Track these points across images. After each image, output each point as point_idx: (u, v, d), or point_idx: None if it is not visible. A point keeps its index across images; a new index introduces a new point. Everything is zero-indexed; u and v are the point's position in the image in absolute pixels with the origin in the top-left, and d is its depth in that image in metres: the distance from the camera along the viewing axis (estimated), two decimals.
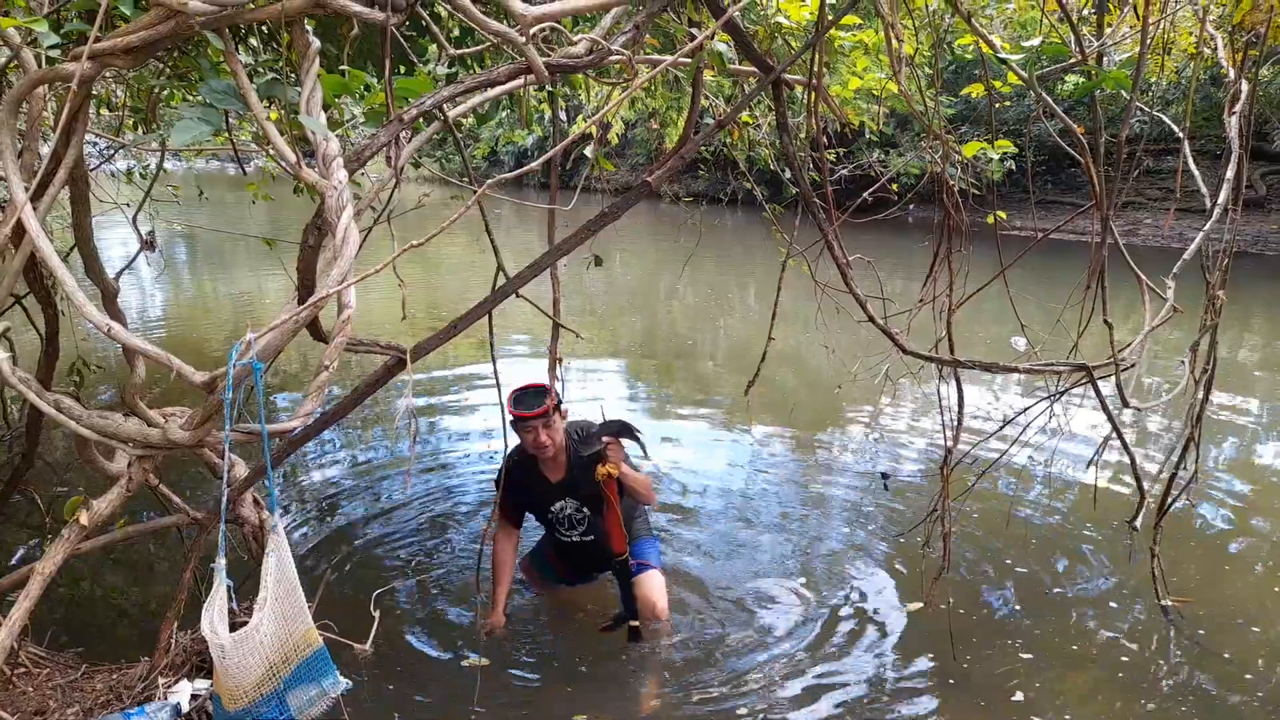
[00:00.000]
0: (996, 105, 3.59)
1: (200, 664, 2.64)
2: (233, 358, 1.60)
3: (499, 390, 2.63)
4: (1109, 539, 4.34)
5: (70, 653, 2.90)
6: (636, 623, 3.27)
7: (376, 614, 2.60)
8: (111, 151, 5.41)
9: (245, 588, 2.52)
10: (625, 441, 3.18)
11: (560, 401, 2.99)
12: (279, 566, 1.69)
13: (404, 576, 3.90)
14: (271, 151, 1.96)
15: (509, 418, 2.93)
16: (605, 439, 3.07)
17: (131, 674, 2.67)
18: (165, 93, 3.76)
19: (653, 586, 3.32)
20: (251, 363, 1.62)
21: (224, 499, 1.70)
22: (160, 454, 2.01)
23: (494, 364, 2.78)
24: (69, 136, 1.82)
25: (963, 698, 3.15)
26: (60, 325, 2.71)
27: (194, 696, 2.53)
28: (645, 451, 3.22)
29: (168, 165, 5.40)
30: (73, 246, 2.17)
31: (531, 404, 3.02)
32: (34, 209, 1.74)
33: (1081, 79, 2.75)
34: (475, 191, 1.85)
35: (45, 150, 2.13)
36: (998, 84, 3.60)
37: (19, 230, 1.78)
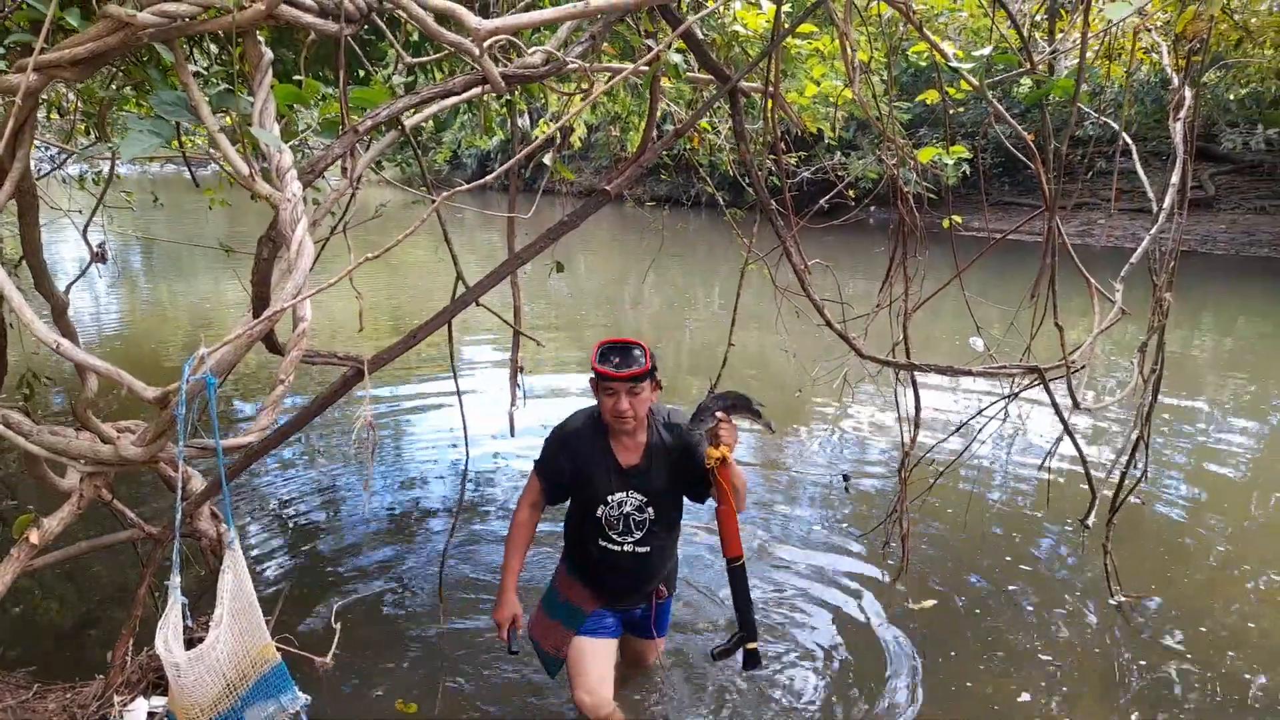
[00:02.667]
0: (953, 110, 3.65)
1: (157, 682, 2.61)
2: (185, 373, 1.58)
3: (460, 400, 2.63)
4: (1063, 537, 4.44)
5: (22, 672, 2.85)
6: (756, 644, 2.59)
7: (338, 626, 2.59)
8: (63, 158, 5.30)
9: (202, 603, 2.49)
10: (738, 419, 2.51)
11: (655, 369, 2.45)
12: (235, 582, 1.67)
13: (366, 588, 3.86)
14: (222, 164, 1.93)
15: (591, 375, 2.47)
16: (719, 414, 2.40)
17: (86, 693, 2.62)
18: (117, 99, 3.69)
19: (651, 651, 3.02)
20: (205, 378, 1.60)
21: (178, 515, 1.68)
22: (113, 470, 1.97)
23: (454, 373, 2.79)
24: (14, 150, 1.79)
25: (920, 691, 3.20)
26: (9, 338, 2.65)
27: (150, 714, 2.49)
28: (769, 425, 2.56)
29: (122, 170, 5.31)
30: (20, 258, 2.12)
31: (622, 362, 2.41)
32: None
33: (1033, 86, 2.82)
34: (434, 200, 1.85)
35: None
36: (952, 90, 3.67)
37: None
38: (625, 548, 2.61)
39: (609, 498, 2.57)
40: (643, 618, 2.81)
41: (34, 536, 1.86)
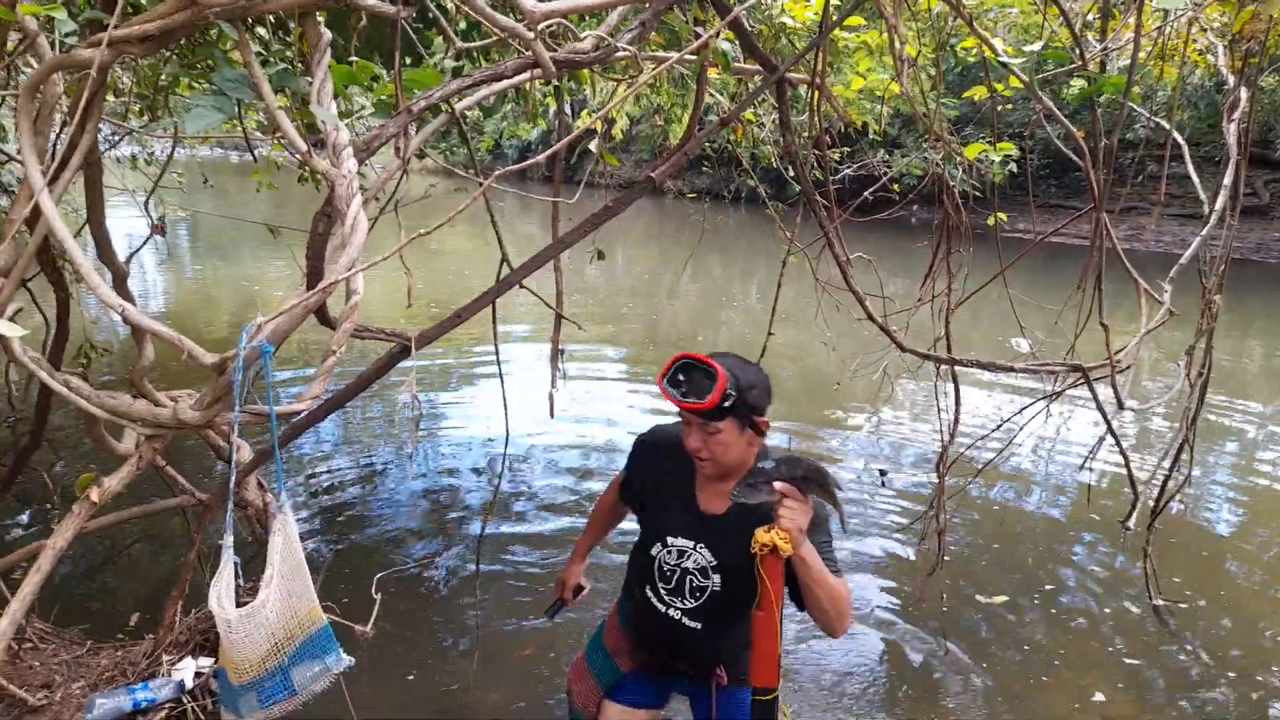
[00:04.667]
0: (1001, 108, 3.62)
1: (204, 643, 2.70)
2: (243, 340, 1.64)
3: (501, 379, 2.67)
4: (1103, 539, 4.40)
5: (76, 629, 2.95)
6: None
7: (378, 597, 2.65)
8: (118, 138, 5.44)
9: (248, 569, 2.57)
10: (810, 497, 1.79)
11: (749, 407, 1.82)
12: (285, 545, 1.73)
13: (404, 562, 3.95)
14: (282, 140, 1.99)
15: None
16: (780, 485, 1.72)
17: (136, 651, 2.72)
18: (177, 77, 3.80)
19: None
20: (261, 345, 1.66)
21: (232, 478, 1.74)
22: (169, 434, 2.05)
23: (496, 352, 2.83)
24: (84, 122, 1.86)
25: (950, 692, 3.20)
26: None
27: (198, 674, 2.58)
28: (842, 520, 1.83)
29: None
30: (82, 227, 2.20)
31: (688, 389, 1.82)
32: (49, 193, 1.78)
33: (1084, 84, 2.79)
34: (480, 183, 1.89)
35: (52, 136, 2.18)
36: (1000, 87, 3.64)
37: (35, 213, 1.82)
38: (671, 612, 2.02)
39: (670, 539, 2.01)
40: (700, 710, 2.18)
41: (94, 494, 1.94)
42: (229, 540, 1.69)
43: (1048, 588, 3.93)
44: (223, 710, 1.83)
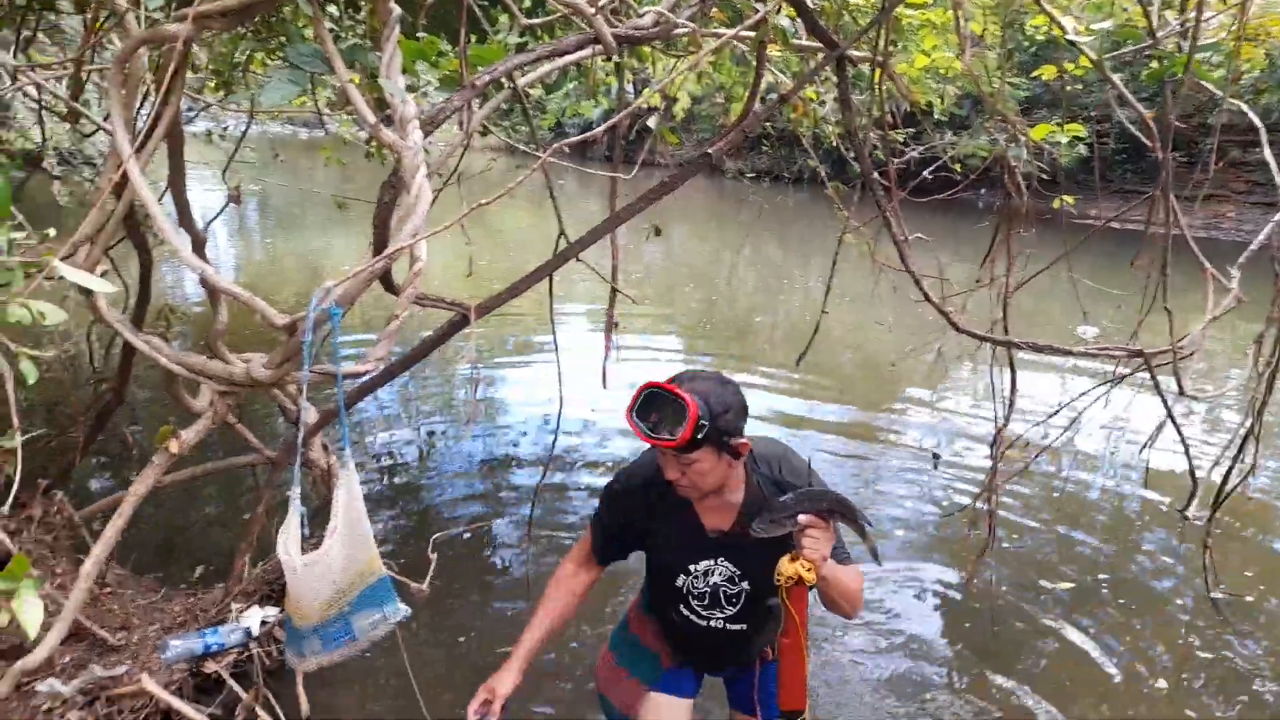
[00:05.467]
0: (1074, 89, 3.54)
1: (270, 594, 2.83)
2: (313, 302, 1.73)
3: (556, 349, 2.73)
4: (1161, 528, 4.32)
5: (151, 577, 3.13)
6: None
7: (434, 556, 2.75)
8: (194, 114, 5.64)
9: (312, 524, 2.69)
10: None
11: (724, 433, 1.73)
12: (348, 498, 1.82)
13: (459, 525, 4.08)
14: (351, 115, 2.07)
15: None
16: (804, 518, 1.70)
17: (207, 599, 2.87)
18: (245, 56, 3.94)
19: None
20: (330, 308, 1.75)
21: (300, 434, 1.83)
22: (241, 391, 2.16)
23: (552, 324, 2.90)
24: (169, 93, 1.96)
25: (996, 676, 3.19)
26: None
27: (263, 622, 2.72)
28: (874, 552, 1.87)
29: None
30: (163, 194, 2.31)
31: (658, 421, 1.71)
32: (136, 160, 1.89)
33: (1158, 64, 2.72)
34: (540, 157, 1.94)
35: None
36: (1070, 67, 3.56)
37: (122, 180, 1.93)
38: (714, 623, 2.01)
39: (691, 567, 1.97)
40: (742, 687, 2.20)
41: (173, 445, 2.06)
42: (296, 492, 1.78)
43: (1105, 576, 3.88)
44: (288, 652, 1.94)
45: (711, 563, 1.96)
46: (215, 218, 2.91)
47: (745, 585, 1.96)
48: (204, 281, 1.99)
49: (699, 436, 1.68)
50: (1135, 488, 4.79)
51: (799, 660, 1.81)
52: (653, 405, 1.71)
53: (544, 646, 2.01)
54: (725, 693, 2.33)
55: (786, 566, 1.69)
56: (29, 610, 1.32)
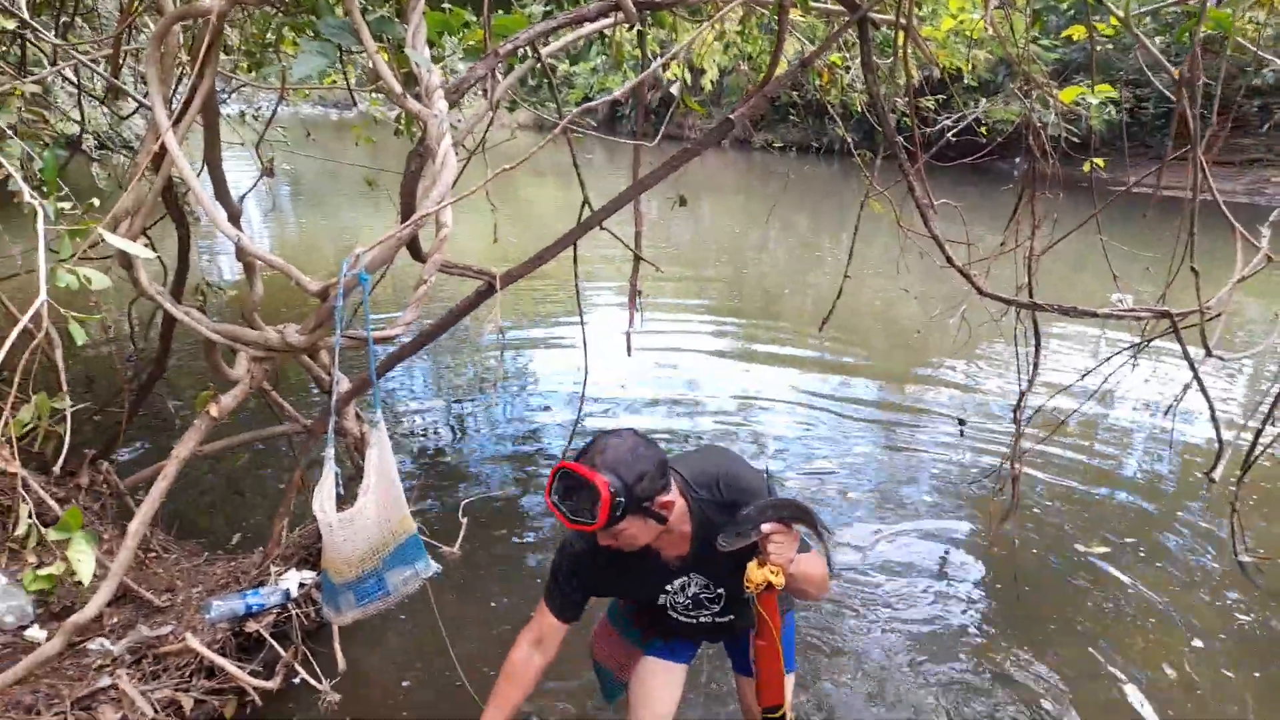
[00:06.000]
0: (1107, 50, 3.48)
1: (307, 558, 2.93)
2: (344, 269, 1.78)
3: (581, 318, 2.77)
4: (1187, 491, 4.31)
5: (194, 542, 3.24)
6: None
7: (464, 520, 2.82)
8: (227, 94, 5.73)
9: (346, 489, 2.77)
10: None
11: (643, 500, 1.72)
12: (380, 459, 1.89)
13: (486, 491, 4.17)
14: (379, 90, 2.12)
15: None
16: (767, 527, 1.75)
17: (247, 562, 2.98)
18: (275, 35, 4.00)
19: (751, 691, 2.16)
20: (359, 274, 1.80)
21: (334, 398, 1.90)
22: (277, 357, 2.23)
23: (577, 292, 2.94)
24: (204, 68, 2.01)
25: (1022, 637, 3.21)
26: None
27: (301, 585, 2.81)
28: (827, 550, 1.90)
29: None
30: (201, 169, 2.38)
31: (574, 506, 1.69)
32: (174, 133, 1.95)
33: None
34: (566, 128, 1.97)
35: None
36: (1100, 26, 3.50)
37: (160, 154, 1.99)
38: (702, 619, 2.09)
39: (667, 588, 2.03)
40: (740, 647, 2.24)
41: (213, 410, 2.13)
42: (330, 453, 1.84)
43: (1128, 539, 3.89)
44: (325, 607, 2.01)
45: (685, 579, 2.01)
46: (249, 191, 2.98)
47: (721, 590, 2.02)
48: (239, 251, 2.05)
49: (617, 514, 1.67)
50: (1167, 451, 4.78)
51: (775, 660, 1.89)
52: (566, 488, 1.70)
53: None
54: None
55: (755, 573, 1.75)
56: (83, 559, 1.39)
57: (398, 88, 1.93)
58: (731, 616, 2.07)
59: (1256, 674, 3.05)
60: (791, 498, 1.83)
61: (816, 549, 1.92)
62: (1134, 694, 2.93)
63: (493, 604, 3.33)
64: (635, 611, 2.26)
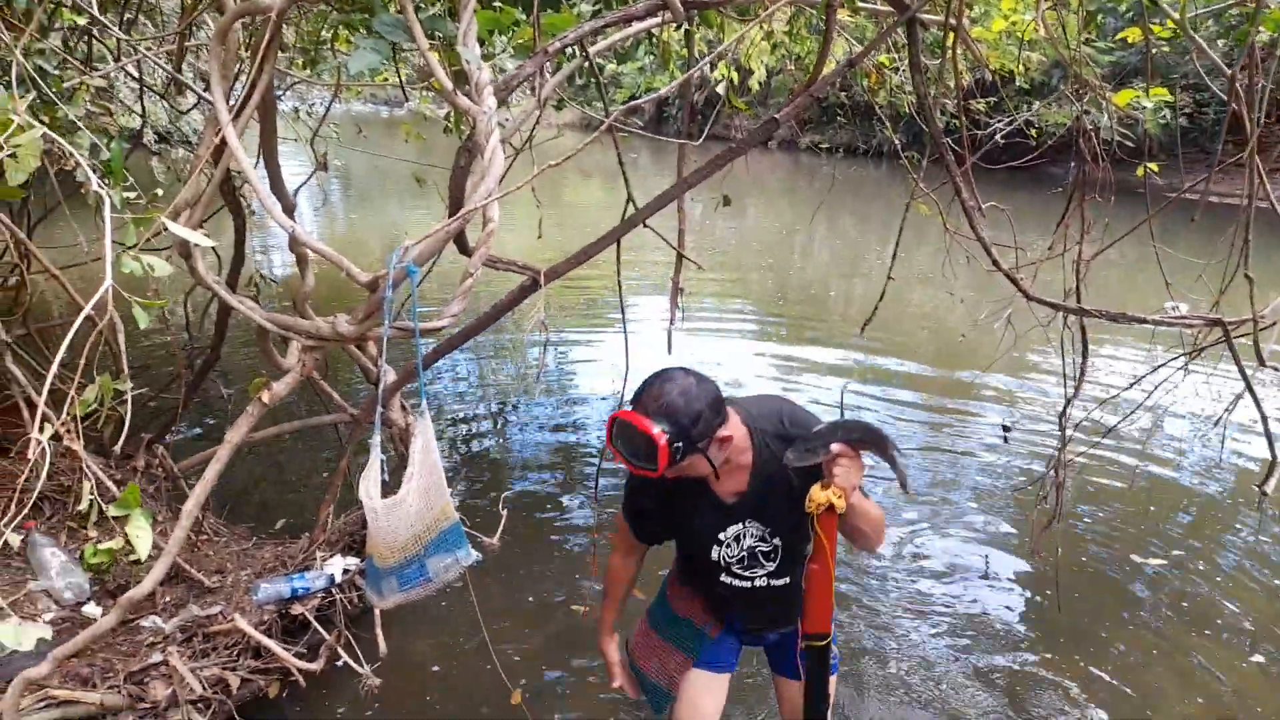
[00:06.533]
0: (1164, 53, 3.42)
1: (351, 544, 2.99)
2: (392, 260, 1.82)
3: (623, 312, 2.79)
4: (1237, 505, 4.21)
5: (243, 526, 3.33)
6: None
7: (504, 512, 2.86)
8: (282, 92, 5.86)
9: (392, 476, 2.83)
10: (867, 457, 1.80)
11: (699, 439, 1.72)
12: (424, 448, 1.93)
13: (527, 486, 4.21)
14: (430, 87, 2.16)
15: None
16: (835, 446, 1.75)
17: (294, 547, 3.05)
18: (331, 34, 4.10)
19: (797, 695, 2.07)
20: (408, 266, 1.84)
21: (380, 388, 1.94)
22: (327, 346, 2.28)
23: (620, 292, 2.96)
24: (263, 63, 2.08)
25: (1066, 644, 3.18)
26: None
27: (345, 570, 2.88)
28: (903, 481, 1.81)
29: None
30: (257, 160, 2.44)
31: (631, 453, 1.74)
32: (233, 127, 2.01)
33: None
34: (611, 126, 2.00)
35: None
36: (1157, 28, 3.43)
37: (220, 146, 2.06)
38: (759, 582, 2.04)
39: (721, 535, 1.99)
40: (785, 652, 2.19)
41: (265, 396, 2.20)
42: (377, 439, 1.89)
43: (1175, 552, 3.82)
44: (368, 592, 2.06)
45: (740, 526, 1.98)
46: (303, 184, 3.06)
47: (777, 541, 1.99)
48: (293, 242, 2.11)
49: (677, 459, 1.70)
50: (1216, 462, 4.68)
51: (826, 585, 1.86)
52: (622, 435, 1.73)
53: (620, 618, 2.27)
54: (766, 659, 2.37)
55: (818, 494, 1.76)
56: (141, 535, 1.45)
57: (449, 84, 1.97)
58: (786, 579, 2.03)
59: None
60: (855, 420, 1.82)
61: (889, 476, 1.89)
62: (1188, 708, 2.88)
63: (530, 597, 3.37)
64: (689, 580, 2.23)
